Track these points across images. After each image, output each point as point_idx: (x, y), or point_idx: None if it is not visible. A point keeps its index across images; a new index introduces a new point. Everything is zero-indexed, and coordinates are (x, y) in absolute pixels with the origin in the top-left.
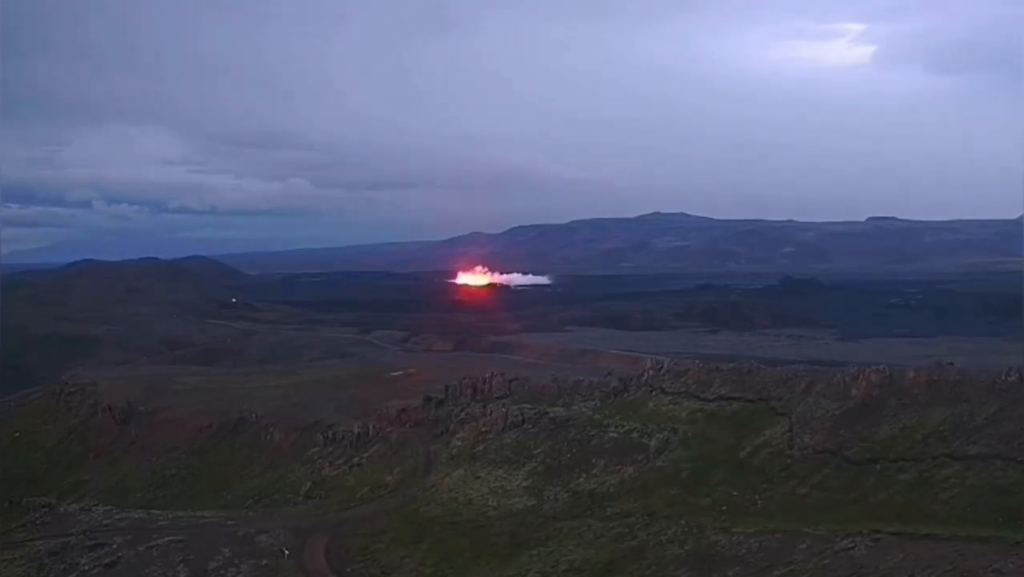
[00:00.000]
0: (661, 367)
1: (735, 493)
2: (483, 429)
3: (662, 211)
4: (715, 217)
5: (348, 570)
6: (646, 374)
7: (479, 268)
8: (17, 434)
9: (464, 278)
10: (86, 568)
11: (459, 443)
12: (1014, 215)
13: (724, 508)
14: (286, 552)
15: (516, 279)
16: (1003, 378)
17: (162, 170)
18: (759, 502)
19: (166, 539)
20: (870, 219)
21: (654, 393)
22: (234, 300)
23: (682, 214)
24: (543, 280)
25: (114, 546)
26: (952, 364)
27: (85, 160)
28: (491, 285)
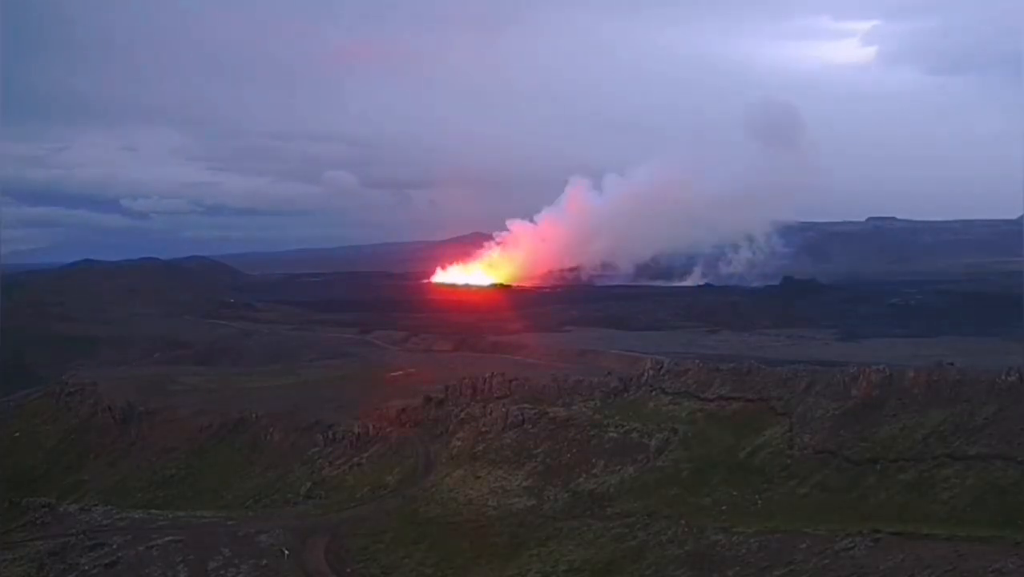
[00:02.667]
0: (661, 367)
1: (735, 493)
2: (483, 429)
3: None
4: None
5: (348, 570)
6: (646, 374)
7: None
8: (17, 434)
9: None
10: (86, 568)
11: (459, 443)
12: (1014, 215)
13: (724, 508)
14: (286, 552)
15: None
16: (1003, 378)
17: (168, 170)
18: (759, 502)
19: (166, 539)
20: (870, 219)
21: (654, 393)
22: (232, 300)
23: None
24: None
25: (114, 546)
26: (952, 364)
27: (88, 160)
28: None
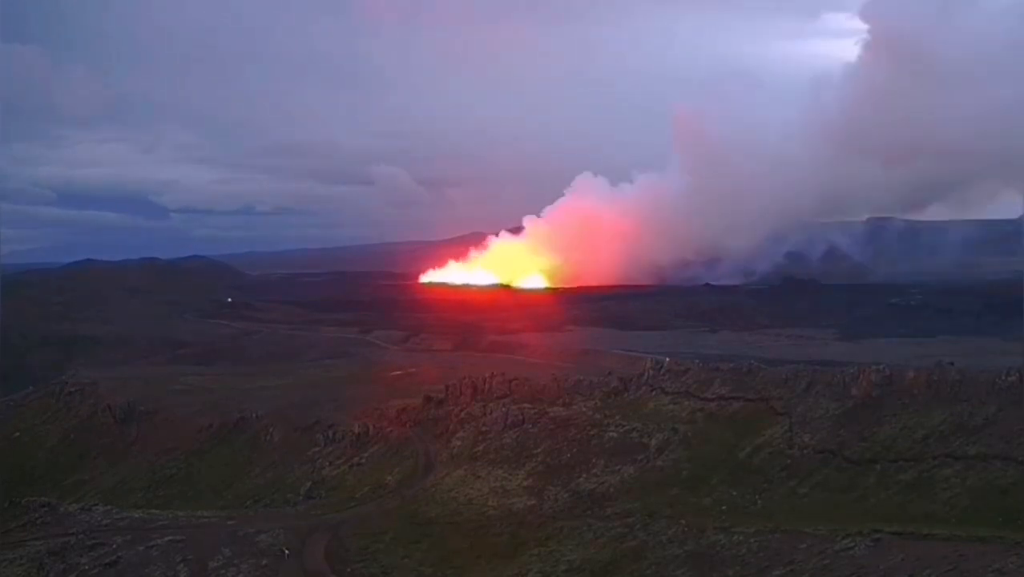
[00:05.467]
0: (661, 367)
1: (735, 493)
2: (483, 429)
3: None
4: None
5: (348, 570)
6: (646, 374)
7: None
8: (17, 434)
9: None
10: (86, 568)
11: (459, 443)
12: (1014, 215)
13: (724, 508)
14: (286, 552)
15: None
16: (1003, 378)
17: (173, 169)
18: (759, 502)
19: (166, 539)
20: (870, 219)
21: (654, 393)
22: (230, 300)
23: None
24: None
25: (114, 546)
26: (952, 364)
27: (91, 159)
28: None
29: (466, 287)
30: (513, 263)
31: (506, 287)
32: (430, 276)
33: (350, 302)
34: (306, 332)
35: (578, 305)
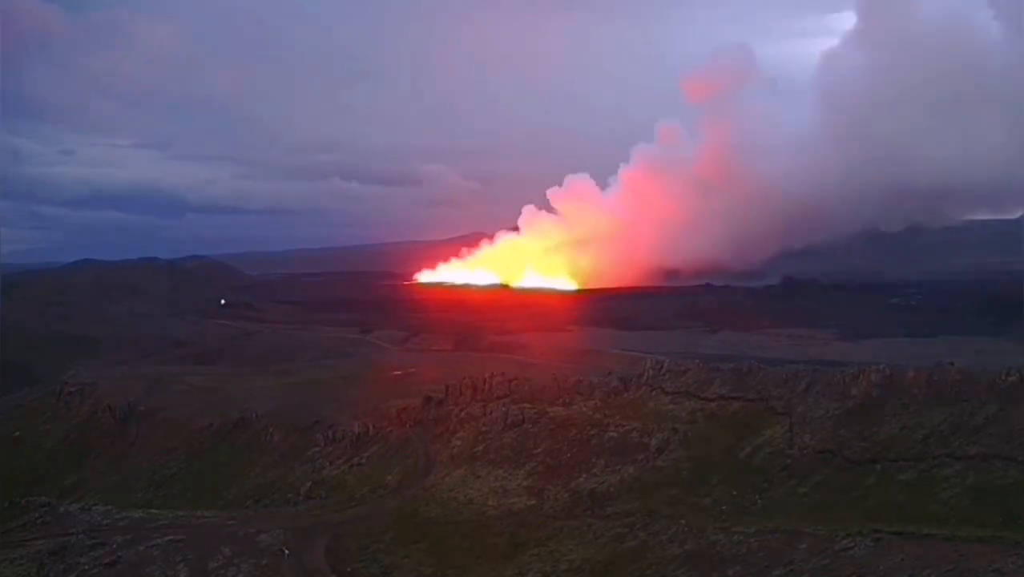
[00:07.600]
0: (661, 367)
1: (735, 493)
2: (483, 429)
3: None
4: None
5: (348, 570)
6: (646, 374)
7: None
8: (17, 434)
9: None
10: (86, 568)
11: (459, 443)
12: (1014, 215)
13: (724, 508)
14: (286, 552)
15: None
16: (1003, 378)
17: (175, 168)
18: (759, 502)
19: (166, 539)
20: (871, 219)
21: (654, 393)
22: (223, 301)
23: None
24: None
25: (114, 546)
26: (952, 364)
27: (93, 159)
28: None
29: (466, 287)
30: (519, 261)
31: (506, 287)
32: (430, 276)
33: (350, 302)
34: (306, 332)
35: (579, 305)
